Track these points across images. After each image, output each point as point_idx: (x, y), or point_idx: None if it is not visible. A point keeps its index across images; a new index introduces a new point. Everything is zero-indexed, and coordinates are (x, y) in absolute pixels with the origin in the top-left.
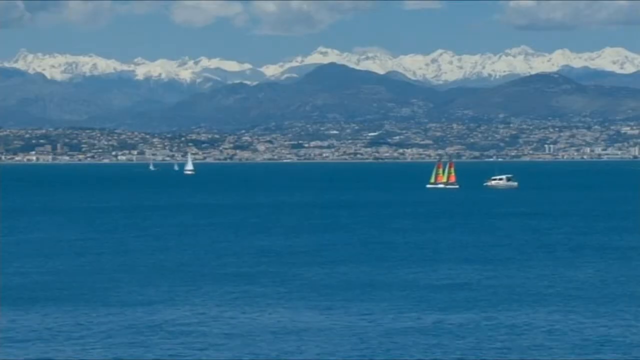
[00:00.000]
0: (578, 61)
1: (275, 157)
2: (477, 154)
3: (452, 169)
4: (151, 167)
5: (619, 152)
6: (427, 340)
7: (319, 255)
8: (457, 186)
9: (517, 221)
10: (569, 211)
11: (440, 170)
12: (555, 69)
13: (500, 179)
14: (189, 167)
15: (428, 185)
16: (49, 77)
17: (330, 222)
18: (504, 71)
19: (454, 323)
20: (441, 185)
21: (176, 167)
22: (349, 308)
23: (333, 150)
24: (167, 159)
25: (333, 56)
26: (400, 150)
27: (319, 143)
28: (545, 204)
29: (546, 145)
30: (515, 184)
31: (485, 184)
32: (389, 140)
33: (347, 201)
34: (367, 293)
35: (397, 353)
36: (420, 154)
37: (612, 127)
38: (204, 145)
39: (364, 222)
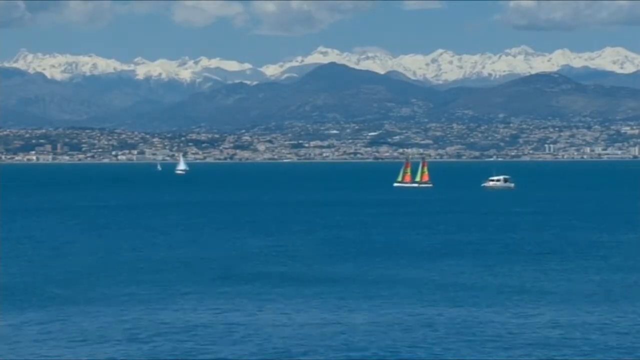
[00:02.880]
0: (578, 61)
1: (276, 156)
2: (477, 153)
3: (425, 168)
4: (159, 168)
5: (619, 152)
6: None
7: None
8: (430, 185)
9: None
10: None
11: (409, 170)
12: (555, 68)
13: (498, 180)
14: (181, 167)
15: (395, 184)
16: (49, 77)
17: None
18: (504, 71)
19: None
20: (415, 185)
21: (186, 167)
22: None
23: (333, 150)
24: (167, 158)
25: (333, 56)
26: (400, 150)
27: (319, 143)
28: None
29: (546, 145)
30: (513, 185)
31: (482, 184)
32: (389, 140)
33: (297, 200)
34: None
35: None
36: (421, 154)
37: (612, 127)
38: (204, 145)
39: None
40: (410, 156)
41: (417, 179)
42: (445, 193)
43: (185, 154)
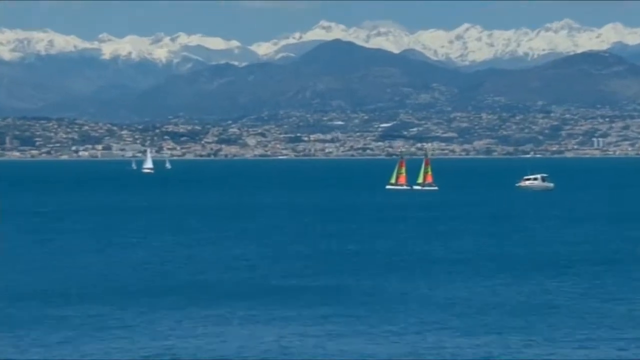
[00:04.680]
0: (632, 37)
1: (269, 152)
2: (510, 149)
3: (429, 168)
4: (133, 166)
5: None
6: None
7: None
8: (435, 188)
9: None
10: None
11: (404, 170)
12: (605, 46)
13: (535, 179)
14: (148, 165)
15: (388, 187)
16: None
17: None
18: (544, 49)
19: None
20: (416, 188)
21: (168, 165)
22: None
23: (337, 144)
24: (139, 155)
25: (337, 32)
26: (419, 145)
27: (320, 136)
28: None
29: (594, 139)
30: (552, 184)
31: (517, 184)
32: (405, 132)
33: (267, 203)
34: None
35: None
36: (443, 149)
37: None
38: (182, 139)
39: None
40: (426, 152)
41: (419, 180)
42: (449, 196)
43: (159, 149)
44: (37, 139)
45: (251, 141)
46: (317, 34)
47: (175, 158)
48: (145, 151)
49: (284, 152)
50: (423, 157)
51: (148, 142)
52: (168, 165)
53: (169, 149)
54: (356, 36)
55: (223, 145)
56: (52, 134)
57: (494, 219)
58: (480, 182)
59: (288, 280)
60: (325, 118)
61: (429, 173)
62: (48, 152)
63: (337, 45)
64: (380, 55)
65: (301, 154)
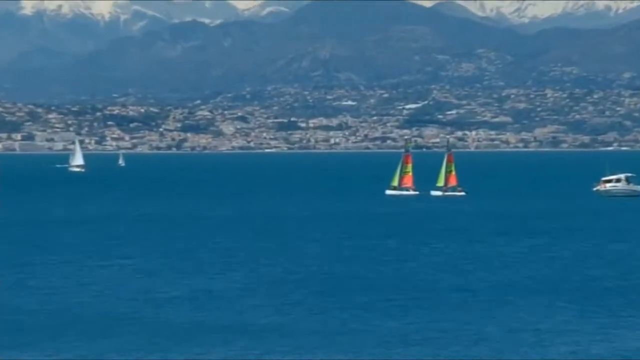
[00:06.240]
0: None
1: (252, 144)
2: (586, 138)
3: (452, 165)
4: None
5: None
6: None
7: None
8: (462, 193)
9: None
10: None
11: (410, 167)
12: None
13: (617, 180)
14: (78, 161)
15: (388, 192)
16: None
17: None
18: (632, 2)
19: None
20: (438, 193)
21: (121, 162)
22: None
23: (347, 133)
24: (71, 146)
25: None
26: (459, 133)
27: (323, 121)
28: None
29: None
30: (638, 187)
31: (595, 188)
32: (440, 116)
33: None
34: None
35: None
36: (492, 139)
37: None
38: (133, 125)
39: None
40: (448, 145)
41: (439, 183)
42: (480, 205)
43: (101, 140)
44: None
45: (228, 128)
46: None
47: (124, 151)
48: (82, 141)
49: (273, 143)
50: (445, 151)
51: (85, 129)
52: (121, 162)
53: (113, 138)
54: None
55: (189, 134)
56: None
57: (539, 236)
58: (538, 185)
59: (274, 319)
60: (329, 97)
61: (453, 173)
62: None
63: None
64: (406, 11)
65: (296, 145)
